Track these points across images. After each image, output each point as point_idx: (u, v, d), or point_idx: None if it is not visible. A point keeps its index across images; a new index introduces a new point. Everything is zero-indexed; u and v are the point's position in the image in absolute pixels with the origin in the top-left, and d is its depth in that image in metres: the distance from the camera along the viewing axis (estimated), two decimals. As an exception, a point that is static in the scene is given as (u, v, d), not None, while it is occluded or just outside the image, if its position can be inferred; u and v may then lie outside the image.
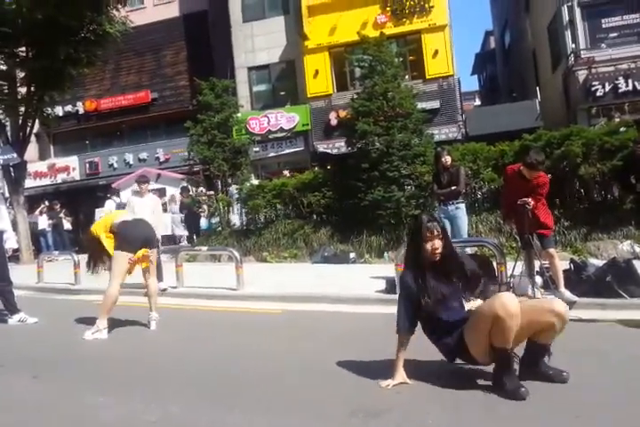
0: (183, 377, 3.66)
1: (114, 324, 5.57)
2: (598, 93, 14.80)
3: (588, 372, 3.33)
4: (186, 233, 14.66)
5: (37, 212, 15.63)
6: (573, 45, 15.45)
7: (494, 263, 6.11)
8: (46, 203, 16.22)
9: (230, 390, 3.32)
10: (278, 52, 19.54)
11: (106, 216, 5.93)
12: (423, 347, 3.85)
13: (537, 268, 5.81)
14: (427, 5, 17.44)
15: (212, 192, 13.11)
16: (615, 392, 2.99)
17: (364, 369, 3.54)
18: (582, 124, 12.27)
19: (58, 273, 9.10)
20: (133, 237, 5.17)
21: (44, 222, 15.45)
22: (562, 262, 5.83)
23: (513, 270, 5.59)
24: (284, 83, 19.99)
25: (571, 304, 5.29)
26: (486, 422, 2.69)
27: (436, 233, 3.22)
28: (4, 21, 12.33)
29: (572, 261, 6.16)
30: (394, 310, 5.61)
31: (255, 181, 13.67)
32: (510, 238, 8.59)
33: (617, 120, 10.73)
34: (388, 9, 17.68)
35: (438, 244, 3.23)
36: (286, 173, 15.12)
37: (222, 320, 5.70)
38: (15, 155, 9.63)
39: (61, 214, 16.12)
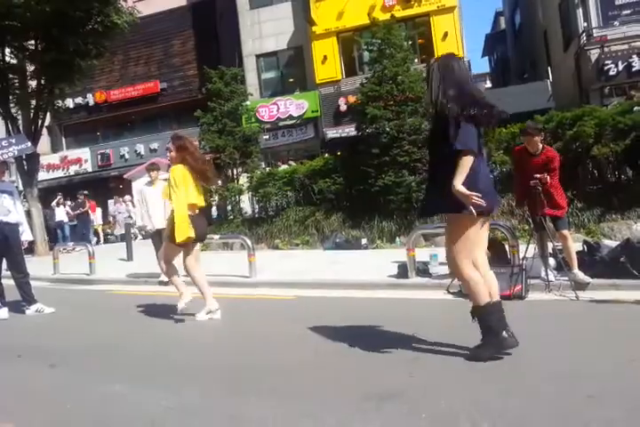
0: (199, 364, 3.69)
1: (128, 313, 5.65)
2: (611, 72, 14.53)
3: (603, 350, 3.34)
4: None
5: (54, 203, 15.72)
6: (585, 24, 15.11)
7: (507, 246, 6.11)
8: (60, 195, 16.30)
9: (246, 376, 3.35)
10: (286, 39, 19.42)
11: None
12: (437, 331, 3.87)
13: (550, 250, 5.77)
14: (435, -14, 17.17)
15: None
16: (631, 370, 2.98)
17: (377, 353, 3.55)
18: (595, 105, 12.07)
19: (73, 264, 9.20)
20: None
21: (61, 214, 15.54)
22: (575, 244, 5.80)
23: (525, 253, 5.56)
24: (292, 69, 19.89)
25: (584, 285, 5.29)
26: (501, 404, 2.69)
27: None
28: (14, 15, 12.36)
29: (585, 242, 6.12)
30: (406, 294, 5.67)
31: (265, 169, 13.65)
32: (523, 221, 8.53)
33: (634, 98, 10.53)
34: (396, -9, 17.43)
35: None
36: (292, 163, 15.01)
37: (235, 308, 5.72)
38: (29, 143, 9.63)
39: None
